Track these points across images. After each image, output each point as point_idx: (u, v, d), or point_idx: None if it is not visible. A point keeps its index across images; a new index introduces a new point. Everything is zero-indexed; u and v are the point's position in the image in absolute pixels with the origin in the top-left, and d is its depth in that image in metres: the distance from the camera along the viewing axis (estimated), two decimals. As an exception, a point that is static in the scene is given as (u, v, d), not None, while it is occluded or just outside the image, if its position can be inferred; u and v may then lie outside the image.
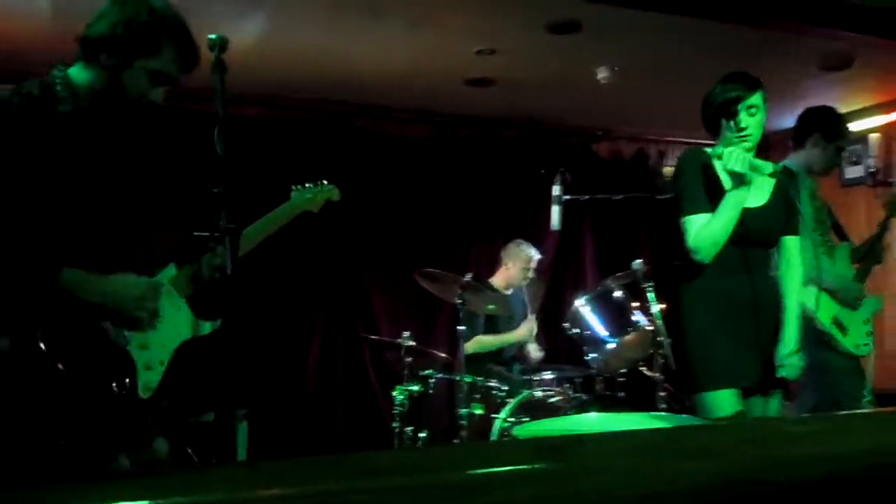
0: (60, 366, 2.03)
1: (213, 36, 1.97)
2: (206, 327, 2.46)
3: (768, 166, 2.79)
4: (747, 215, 2.79)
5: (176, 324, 2.26)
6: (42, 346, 2.02)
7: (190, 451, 3.34)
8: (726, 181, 2.79)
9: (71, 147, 2.07)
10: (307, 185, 3.04)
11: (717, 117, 2.85)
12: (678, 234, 2.87)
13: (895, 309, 5.82)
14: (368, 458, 0.84)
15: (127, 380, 2.16)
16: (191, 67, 2.15)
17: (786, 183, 2.90)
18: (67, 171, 2.06)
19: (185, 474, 0.84)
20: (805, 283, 2.98)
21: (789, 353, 2.81)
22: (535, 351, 5.10)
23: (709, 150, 2.88)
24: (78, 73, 2.11)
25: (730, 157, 2.70)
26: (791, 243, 2.94)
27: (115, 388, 2.13)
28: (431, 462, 0.83)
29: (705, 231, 2.76)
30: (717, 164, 2.83)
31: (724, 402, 2.74)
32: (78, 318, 2.06)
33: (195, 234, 2.26)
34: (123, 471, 2.09)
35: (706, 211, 2.78)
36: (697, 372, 2.86)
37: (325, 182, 3.10)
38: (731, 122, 2.80)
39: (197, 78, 2.18)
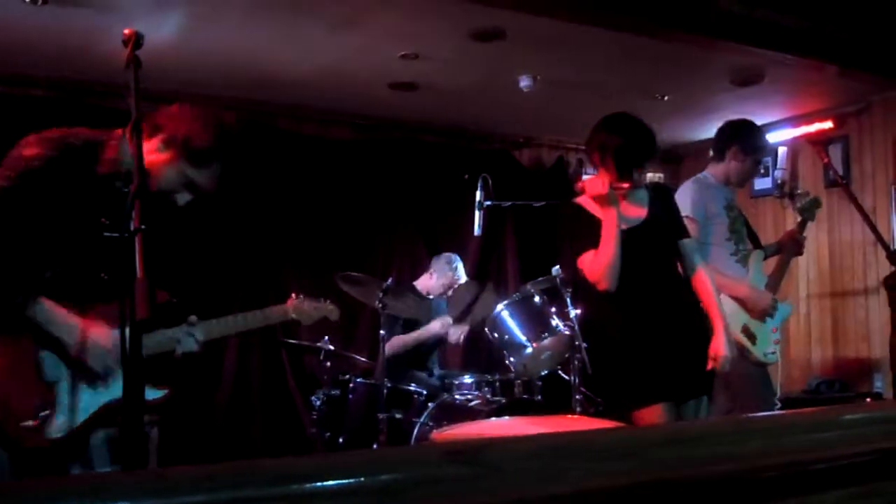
0: None
1: (127, 31, 1.92)
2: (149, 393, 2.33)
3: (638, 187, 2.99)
4: (632, 233, 2.93)
5: (119, 384, 1.98)
6: None
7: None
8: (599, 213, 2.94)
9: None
10: (310, 299, 2.81)
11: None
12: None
13: (797, 318, 6.09)
14: (281, 463, 0.83)
15: (41, 414, 2.12)
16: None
17: (657, 195, 3.09)
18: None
19: (88, 481, 0.81)
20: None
21: (719, 344, 2.92)
22: (453, 334, 5.06)
23: (576, 199, 3.07)
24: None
25: (591, 186, 2.91)
26: (685, 246, 3.10)
27: (29, 422, 2.09)
28: (344, 467, 0.82)
29: (596, 263, 2.92)
30: (587, 204, 3.00)
31: (658, 416, 2.83)
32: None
33: (105, 234, 2.18)
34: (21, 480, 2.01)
35: (591, 247, 2.93)
36: (628, 390, 2.95)
37: (329, 302, 2.93)
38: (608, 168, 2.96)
39: (110, 74, 2.12)
